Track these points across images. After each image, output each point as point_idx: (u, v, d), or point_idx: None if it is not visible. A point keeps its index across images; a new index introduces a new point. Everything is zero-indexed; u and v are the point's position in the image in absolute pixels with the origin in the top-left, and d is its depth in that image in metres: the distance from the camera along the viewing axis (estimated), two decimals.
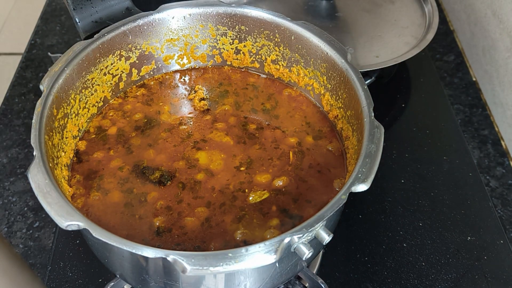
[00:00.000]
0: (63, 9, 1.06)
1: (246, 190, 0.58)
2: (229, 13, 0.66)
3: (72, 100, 0.59)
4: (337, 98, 0.62)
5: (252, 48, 0.68)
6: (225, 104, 0.68)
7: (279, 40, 0.66)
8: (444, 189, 0.74)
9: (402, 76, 0.91)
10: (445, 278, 0.65)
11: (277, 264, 0.48)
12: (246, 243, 0.53)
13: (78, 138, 0.62)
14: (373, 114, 0.53)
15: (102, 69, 0.63)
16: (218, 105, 0.68)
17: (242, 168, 0.60)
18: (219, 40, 0.69)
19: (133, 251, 0.42)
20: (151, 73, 0.70)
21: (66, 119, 0.58)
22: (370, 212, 0.71)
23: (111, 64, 0.64)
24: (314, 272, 0.63)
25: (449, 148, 0.80)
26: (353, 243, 0.68)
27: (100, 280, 0.63)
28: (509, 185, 0.77)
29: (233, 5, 0.65)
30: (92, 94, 0.63)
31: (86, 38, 0.62)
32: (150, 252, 0.42)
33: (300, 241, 0.44)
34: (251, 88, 0.70)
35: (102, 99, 0.66)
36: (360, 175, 0.48)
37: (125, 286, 0.61)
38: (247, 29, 0.67)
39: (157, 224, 0.55)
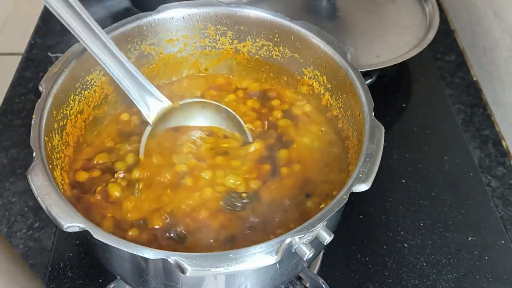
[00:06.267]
0: None
1: None
2: (229, 13, 0.65)
3: (71, 101, 0.59)
4: (337, 98, 0.62)
5: (252, 48, 0.68)
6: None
7: (278, 40, 0.66)
8: (445, 189, 0.74)
9: (402, 76, 0.91)
10: (446, 279, 0.64)
11: (278, 265, 0.48)
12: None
13: None
14: (373, 113, 0.53)
15: (101, 70, 0.63)
16: None
17: None
18: (219, 40, 0.68)
19: (134, 252, 0.42)
20: None
21: (66, 120, 0.58)
22: (370, 212, 0.71)
23: None
24: (315, 272, 0.63)
25: (450, 148, 0.80)
26: (354, 243, 0.68)
27: (100, 280, 0.63)
28: (510, 185, 0.76)
29: (233, 5, 0.65)
30: (91, 95, 0.63)
31: None
32: (151, 254, 0.42)
33: (301, 242, 0.44)
34: None
35: None
36: (360, 175, 0.47)
37: (125, 287, 0.61)
38: (246, 29, 0.66)
39: None
